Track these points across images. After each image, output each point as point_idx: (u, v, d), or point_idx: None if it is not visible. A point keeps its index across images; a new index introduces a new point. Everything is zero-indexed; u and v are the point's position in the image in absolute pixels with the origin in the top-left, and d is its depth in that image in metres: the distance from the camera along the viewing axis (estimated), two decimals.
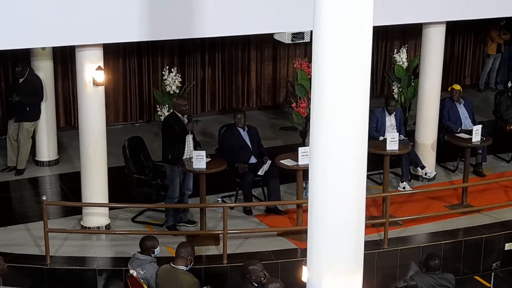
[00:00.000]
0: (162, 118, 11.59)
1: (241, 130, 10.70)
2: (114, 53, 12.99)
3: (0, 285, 7.63)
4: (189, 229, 10.09)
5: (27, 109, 11.32)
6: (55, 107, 12.00)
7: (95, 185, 9.85)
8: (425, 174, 11.47)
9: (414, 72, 12.86)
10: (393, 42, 14.88)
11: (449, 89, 12.13)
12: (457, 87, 12.07)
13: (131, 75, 13.55)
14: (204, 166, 9.59)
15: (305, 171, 9.09)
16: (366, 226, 6.02)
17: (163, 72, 12.12)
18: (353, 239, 5.66)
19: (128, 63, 13.48)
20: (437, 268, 8.33)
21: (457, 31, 15.45)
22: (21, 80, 11.33)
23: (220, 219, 9.76)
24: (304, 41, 9.86)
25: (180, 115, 9.89)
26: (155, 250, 8.26)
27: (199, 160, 9.57)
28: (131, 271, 8.21)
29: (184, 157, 9.82)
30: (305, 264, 5.95)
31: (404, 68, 12.94)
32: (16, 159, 11.56)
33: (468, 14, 10.90)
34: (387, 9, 9.77)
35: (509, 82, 13.23)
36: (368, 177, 6.65)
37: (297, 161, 9.77)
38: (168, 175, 9.94)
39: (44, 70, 11.58)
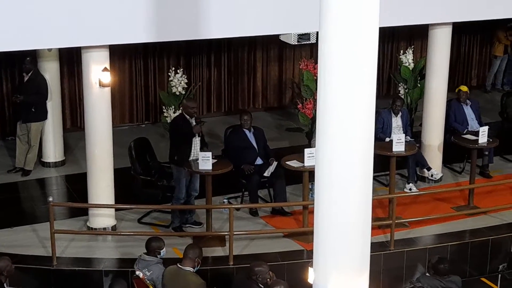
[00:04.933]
0: (168, 119, 11.61)
1: (247, 132, 10.70)
2: (120, 54, 13.01)
3: (7, 286, 7.64)
4: (195, 230, 10.09)
5: (33, 109, 11.34)
6: (61, 108, 12.02)
7: (101, 186, 9.86)
8: (431, 175, 11.45)
9: (420, 73, 12.84)
10: (399, 43, 14.86)
11: (456, 91, 12.10)
12: (464, 88, 12.04)
13: (137, 76, 13.56)
14: (210, 168, 9.59)
15: (311, 172, 9.09)
16: (372, 228, 6.01)
17: (169, 73, 12.13)
18: (359, 241, 5.66)
19: (134, 64, 13.49)
20: (445, 273, 8.30)
21: (463, 32, 15.42)
22: (26, 78, 11.35)
23: (226, 220, 9.75)
24: (310, 42, 9.85)
25: (188, 117, 9.88)
26: (161, 251, 8.26)
27: (205, 161, 9.57)
28: (137, 272, 8.21)
29: (191, 158, 9.82)
30: (311, 266, 5.95)
31: (410, 69, 12.93)
32: (25, 160, 11.59)
33: (474, 15, 10.88)
34: (394, 10, 9.76)
35: None
36: (374, 178, 6.63)
37: (303, 162, 9.77)
38: (174, 176, 9.94)
39: (50, 71, 11.61)
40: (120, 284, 7.56)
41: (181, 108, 10.79)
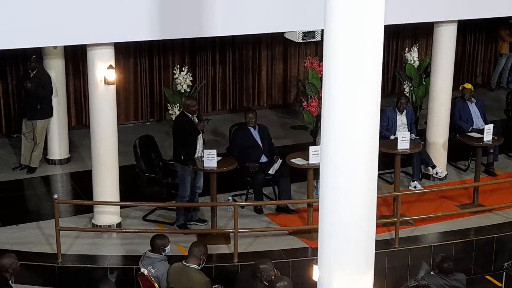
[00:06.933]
0: (173, 117, 11.61)
1: (252, 129, 10.71)
2: (125, 52, 13.03)
3: (13, 282, 7.66)
4: (199, 228, 10.11)
5: (38, 107, 11.37)
6: (66, 106, 12.06)
7: (106, 184, 9.88)
8: (436, 173, 11.45)
9: (425, 71, 12.83)
10: (404, 41, 14.86)
11: (460, 88, 12.10)
12: (468, 86, 12.05)
13: (142, 74, 13.58)
14: (215, 165, 9.60)
15: (316, 170, 9.09)
16: (377, 226, 6.00)
17: (174, 71, 12.13)
18: (364, 238, 5.66)
19: (139, 62, 13.51)
20: (450, 272, 8.28)
21: (468, 30, 15.41)
22: (31, 74, 11.37)
23: (230, 218, 9.77)
24: (315, 40, 9.85)
25: (190, 115, 9.90)
26: (166, 248, 8.27)
27: (210, 159, 9.58)
28: (142, 270, 8.23)
29: (196, 156, 9.83)
30: (316, 263, 5.95)
31: (416, 67, 12.92)
32: (30, 157, 11.61)
33: (479, 13, 10.87)
34: (399, 8, 9.75)
35: None
36: (379, 176, 6.65)
37: (308, 160, 9.76)
38: (179, 174, 9.95)
39: (56, 69, 11.63)
40: (108, 285, 7.50)
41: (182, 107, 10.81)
